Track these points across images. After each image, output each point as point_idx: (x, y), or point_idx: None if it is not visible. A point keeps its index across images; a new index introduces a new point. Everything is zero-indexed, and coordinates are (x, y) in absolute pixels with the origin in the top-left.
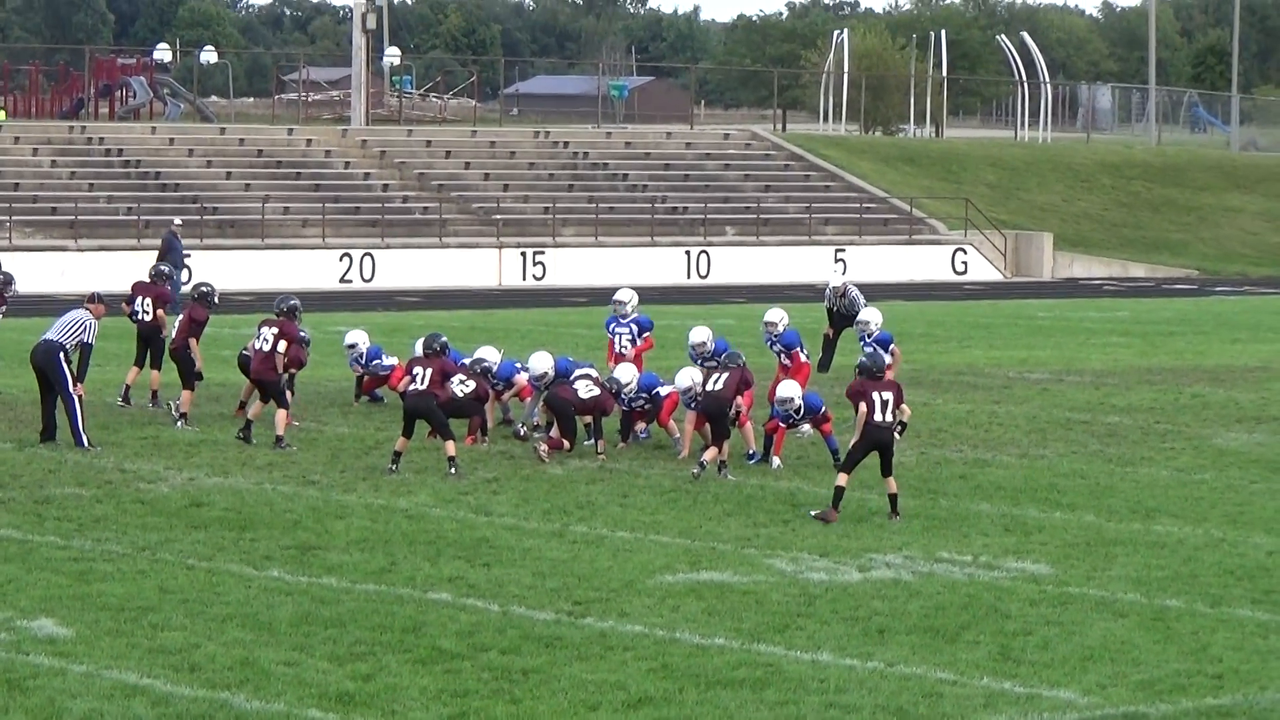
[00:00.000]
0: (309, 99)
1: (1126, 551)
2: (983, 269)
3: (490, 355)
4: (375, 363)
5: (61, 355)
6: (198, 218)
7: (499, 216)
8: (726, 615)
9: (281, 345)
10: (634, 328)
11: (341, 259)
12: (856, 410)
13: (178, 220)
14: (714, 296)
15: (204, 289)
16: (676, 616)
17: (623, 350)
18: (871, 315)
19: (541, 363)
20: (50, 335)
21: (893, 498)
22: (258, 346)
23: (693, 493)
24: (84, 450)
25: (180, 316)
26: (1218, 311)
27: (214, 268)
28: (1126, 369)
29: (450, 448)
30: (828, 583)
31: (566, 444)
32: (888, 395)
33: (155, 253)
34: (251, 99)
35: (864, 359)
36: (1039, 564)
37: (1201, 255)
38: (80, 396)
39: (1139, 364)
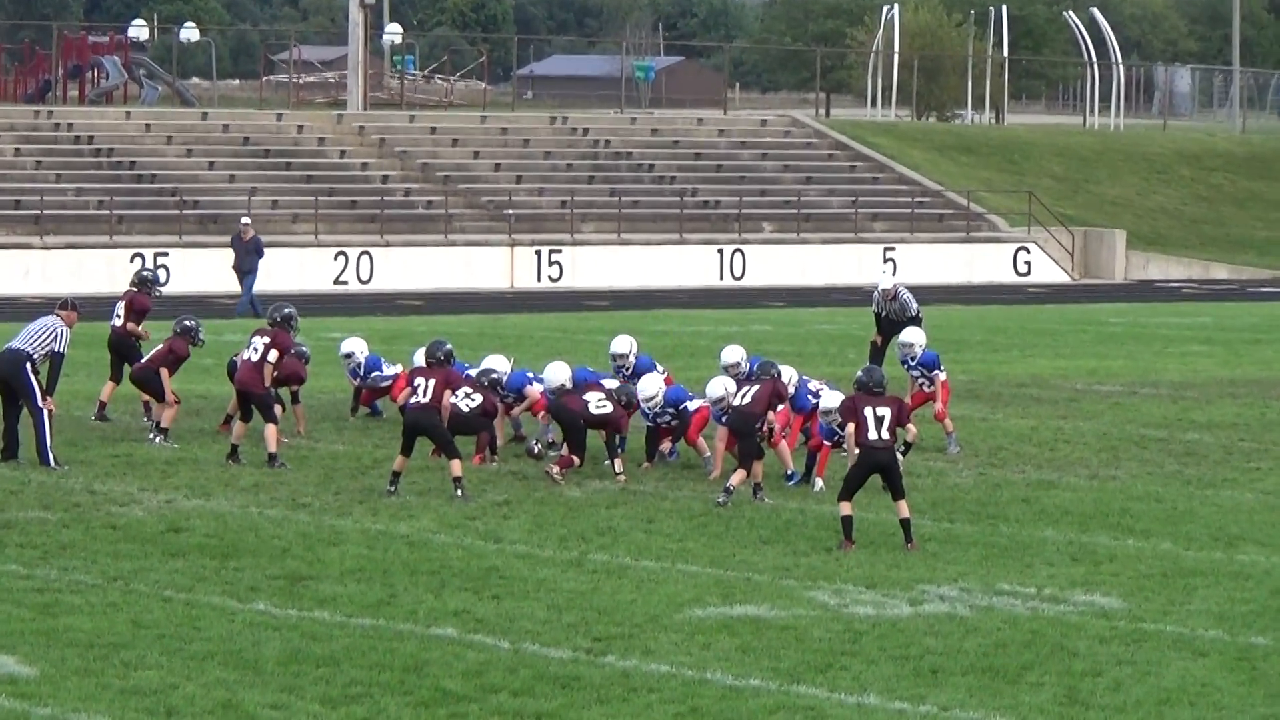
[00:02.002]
0: (300, 81)
1: (1207, 583)
2: (1048, 270)
3: (500, 365)
4: (375, 374)
5: (29, 366)
6: (176, 212)
7: (511, 211)
8: (763, 653)
9: (272, 355)
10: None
11: (336, 258)
12: (844, 428)
13: (245, 219)
14: (749, 300)
15: (189, 323)
16: (707, 655)
17: None
18: (915, 336)
19: (558, 373)
20: (16, 344)
21: (905, 523)
22: (246, 356)
23: (725, 518)
24: (50, 469)
25: (159, 346)
26: None
27: (195, 267)
28: (1207, 381)
29: (456, 467)
30: (875, 617)
31: (578, 460)
32: (884, 412)
33: (130, 250)
34: (237, 81)
35: (861, 373)
36: (1110, 597)
37: None
38: (50, 411)
39: (1221, 375)
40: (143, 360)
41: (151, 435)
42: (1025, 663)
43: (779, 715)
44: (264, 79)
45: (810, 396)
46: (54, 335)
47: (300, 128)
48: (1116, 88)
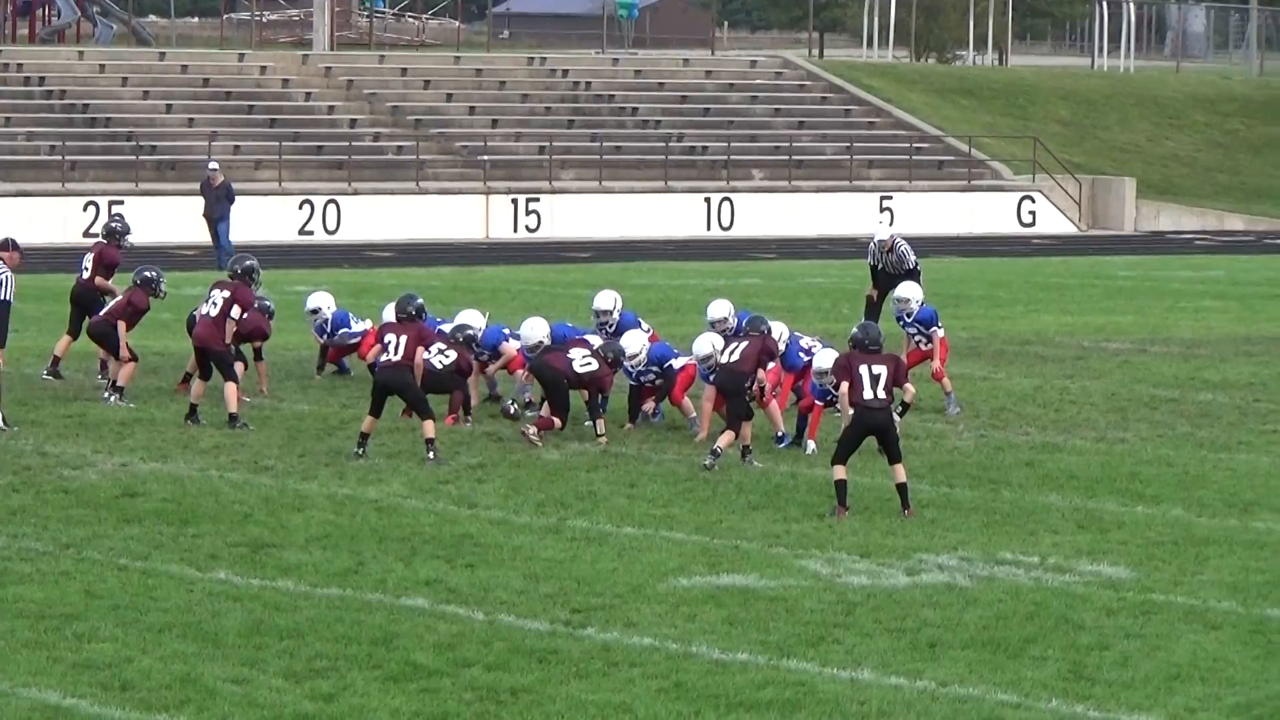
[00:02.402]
0: (264, 19)
1: (1220, 552)
2: (1053, 220)
3: (474, 320)
4: (342, 331)
5: None
6: (132, 158)
7: (486, 157)
8: (751, 626)
9: (235, 311)
10: None
11: (301, 207)
12: (838, 388)
13: (213, 163)
14: (738, 251)
15: (149, 274)
16: (692, 627)
17: None
18: (911, 291)
19: (535, 330)
20: None
21: (902, 488)
22: (205, 311)
23: (711, 482)
24: None
25: (118, 298)
26: None
27: (152, 215)
28: (1221, 338)
29: (429, 428)
30: (870, 588)
31: (558, 422)
32: (879, 370)
33: (83, 198)
34: (196, 19)
35: (856, 330)
36: (1117, 567)
37: None
38: None
39: (1236, 332)
40: (101, 313)
41: (106, 394)
42: (1028, 636)
43: (768, 690)
44: (225, 17)
45: (802, 354)
46: None
47: (263, 69)
48: (1127, 27)
